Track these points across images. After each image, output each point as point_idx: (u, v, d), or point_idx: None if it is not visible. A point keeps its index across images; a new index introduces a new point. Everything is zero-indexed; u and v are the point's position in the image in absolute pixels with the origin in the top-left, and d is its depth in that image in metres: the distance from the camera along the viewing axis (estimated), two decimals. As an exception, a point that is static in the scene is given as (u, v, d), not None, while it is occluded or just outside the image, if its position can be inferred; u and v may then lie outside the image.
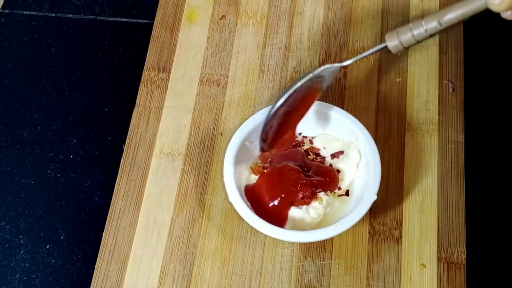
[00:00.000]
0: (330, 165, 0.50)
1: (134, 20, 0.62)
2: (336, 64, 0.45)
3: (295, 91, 0.46)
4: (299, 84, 0.46)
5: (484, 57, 0.58)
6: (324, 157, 0.50)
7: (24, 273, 0.52)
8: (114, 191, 0.53)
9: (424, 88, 0.55)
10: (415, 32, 0.40)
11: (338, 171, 0.49)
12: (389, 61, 0.57)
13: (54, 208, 0.54)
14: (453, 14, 0.38)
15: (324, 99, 0.55)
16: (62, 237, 0.53)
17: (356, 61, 0.48)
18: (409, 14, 0.59)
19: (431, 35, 0.40)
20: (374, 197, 0.44)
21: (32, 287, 0.51)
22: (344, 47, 0.58)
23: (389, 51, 0.41)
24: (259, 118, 0.49)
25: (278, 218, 0.47)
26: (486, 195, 0.53)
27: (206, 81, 0.57)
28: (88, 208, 0.54)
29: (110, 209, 0.52)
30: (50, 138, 0.57)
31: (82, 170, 0.56)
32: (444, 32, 0.51)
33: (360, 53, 0.49)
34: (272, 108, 0.46)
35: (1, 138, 0.57)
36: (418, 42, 0.41)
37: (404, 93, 0.55)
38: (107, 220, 0.52)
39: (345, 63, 0.45)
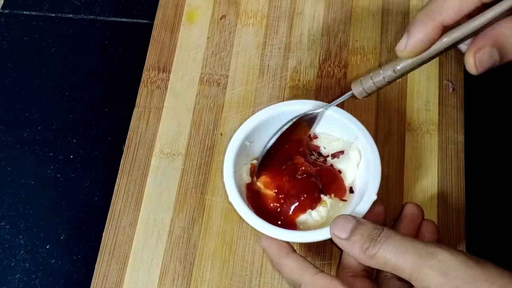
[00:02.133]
0: (331, 165, 0.50)
1: (134, 20, 0.62)
2: (315, 111, 0.49)
3: (280, 135, 0.49)
4: (279, 133, 0.49)
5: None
6: (326, 157, 0.50)
7: (24, 273, 0.52)
8: (114, 191, 0.53)
9: (424, 88, 0.55)
10: (375, 80, 0.44)
11: (339, 171, 0.49)
12: (389, 61, 0.57)
13: (54, 208, 0.54)
14: (404, 63, 0.42)
15: (324, 99, 0.55)
16: (62, 237, 0.53)
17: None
18: (409, 14, 0.59)
19: (390, 82, 0.44)
20: (374, 197, 0.44)
21: (32, 287, 0.51)
22: (344, 47, 0.58)
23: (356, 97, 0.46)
24: (259, 117, 0.49)
25: (286, 224, 0.47)
26: (486, 195, 0.53)
27: (206, 81, 0.57)
28: (88, 208, 0.54)
29: (110, 209, 0.52)
30: (50, 138, 0.57)
31: (82, 170, 0.56)
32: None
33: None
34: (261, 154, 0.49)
35: (1, 138, 0.57)
36: (380, 88, 0.45)
37: (404, 93, 0.55)
38: (107, 220, 0.52)
39: (319, 110, 0.49)
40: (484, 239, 0.51)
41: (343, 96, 0.47)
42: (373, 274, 0.43)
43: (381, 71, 0.43)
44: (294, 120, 0.49)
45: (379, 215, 0.46)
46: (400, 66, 0.42)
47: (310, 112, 0.49)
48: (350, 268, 0.42)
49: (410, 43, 0.39)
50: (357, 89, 0.45)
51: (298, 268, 0.41)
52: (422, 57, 0.41)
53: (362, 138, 0.48)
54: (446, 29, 0.39)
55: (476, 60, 0.38)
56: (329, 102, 0.49)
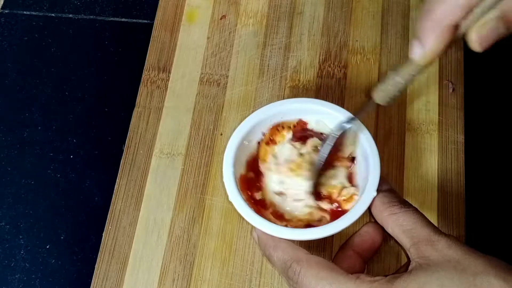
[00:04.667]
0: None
1: (134, 20, 0.63)
2: (345, 126, 0.47)
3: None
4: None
5: (484, 57, 0.58)
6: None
7: (24, 273, 0.52)
8: (114, 191, 0.53)
9: (424, 88, 0.55)
10: (395, 85, 0.43)
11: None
12: (389, 61, 0.57)
13: (54, 208, 0.54)
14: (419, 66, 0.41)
15: (324, 98, 0.55)
16: (62, 237, 0.53)
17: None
18: (409, 14, 0.59)
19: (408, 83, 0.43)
20: (374, 194, 0.44)
21: (32, 287, 0.51)
22: (344, 47, 0.58)
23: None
24: (258, 117, 0.49)
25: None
26: (486, 195, 0.53)
27: (206, 81, 0.57)
28: (88, 208, 0.54)
29: (110, 209, 0.52)
30: (50, 138, 0.57)
31: (82, 170, 0.56)
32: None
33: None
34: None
35: (1, 138, 0.57)
36: (401, 92, 0.44)
37: (404, 93, 0.55)
38: (107, 220, 0.52)
39: (348, 126, 0.47)
40: (484, 239, 0.51)
41: (367, 105, 0.46)
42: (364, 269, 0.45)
43: (398, 77, 0.42)
44: (335, 140, 0.47)
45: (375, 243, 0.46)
46: (416, 70, 0.41)
47: (344, 129, 0.47)
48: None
49: (427, 51, 0.38)
50: (379, 96, 0.45)
51: (291, 248, 0.42)
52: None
53: (362, 137, 0.47)
54: (458, 26, 0.37)
55: (482, 35, 0.37)
56: (352, 113, 0.48)
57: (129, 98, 0.57)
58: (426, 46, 0.38)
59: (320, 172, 0.47)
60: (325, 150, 0.47)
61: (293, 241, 0.44)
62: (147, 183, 0.53)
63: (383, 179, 0.45)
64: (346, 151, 0.49)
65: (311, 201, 0.47)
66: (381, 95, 0.44)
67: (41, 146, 0.57)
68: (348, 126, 0.47)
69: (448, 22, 0.37)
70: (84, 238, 0.53)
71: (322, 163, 0.46)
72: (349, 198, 0.47)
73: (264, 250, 0.44)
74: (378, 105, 0.45)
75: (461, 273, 0.36)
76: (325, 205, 0.47)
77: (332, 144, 0.46)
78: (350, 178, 0.48)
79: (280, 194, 0.48)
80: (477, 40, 0.37)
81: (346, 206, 0.47)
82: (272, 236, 0.43)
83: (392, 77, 0.43)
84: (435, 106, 0.55)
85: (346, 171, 0.48)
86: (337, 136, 0.47)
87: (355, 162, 0.49)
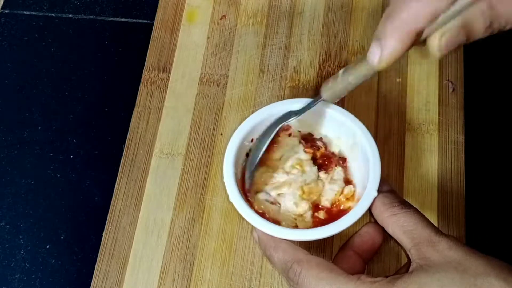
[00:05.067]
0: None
1: (134, 20, 0.63)
2: (289, 120, 0.47)
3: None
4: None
5: (484, 57, 0.58)
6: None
7: (24, 273, 0.52)
8: (114, 191, 0.53)
9: (424, 88, 0.55)
10: (345, 84, 0.43)
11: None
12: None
13: (54, 208, 0.54)
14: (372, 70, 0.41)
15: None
16: (62, 237, 0.53)
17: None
18: (409, 14, 0.59)
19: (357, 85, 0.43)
20: (375, 194, 0.44)
21: (32, 287, 0.51)
22: (344, 47, 0.58)
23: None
24: (257, 117, 0.49)
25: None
26: (486, 195, 0.53)
27: (206, 81, 0.57)
28: (88, 208, 0.54)
29: (110, 209, 0.52)
30: (50, 138, 0.57)
31: (82, 170, 0.56)
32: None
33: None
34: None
35: (1, 138, 0.57)
36: (349, 91, 0.44)
37: (404, 93, 0.55)
38: (107, 220, 0.52)
39: (291, 119, 0.47)
40: (484, 239, 0.51)
41: (313, 101, 0.46)
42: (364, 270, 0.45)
43: (350, 78, 0.42)
44: (274, 132, 0.47)
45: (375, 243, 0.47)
46: (370, 73, 0.41)
47: (286, 122, 0.48)
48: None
49: (386, 54, 0.38)
50: (327, 94, 0.45)
51: (292, 248, 0.42)
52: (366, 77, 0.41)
53: (362, 137, 0.47)
54: (419, 33, 0.38)
55: (442, 42, 0.37)
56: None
57: (129, 98, 0.57)
58: (385, 49, 0.38)
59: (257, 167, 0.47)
60: (264, 143, 0.47)
61: (293, 242, 0.44)
62: (147, 183, 0.53)
63: (383, 180, 0.45)
64: (317, 134, 0.49)
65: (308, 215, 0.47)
66: (329, 93, 0.45)
67: (41, 146, 0.57)
68: (288, 121, 0.47)
69: (411, 28, 0.37)
70: (84, 238, 0.53)
71: (258, 158, 0.47)
72: (351, 197, 0.47)
73: (265, 250, 0.44)
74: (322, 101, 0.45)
75: (462, 274, 0.36)
76: (322, 215, 0.47)
77: (269, 140, 0.47)
78: (346, 179, 0.48)
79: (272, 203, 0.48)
80: (438, 47, 0.38)
81: (347, 204, 0.47)
82: (273, 237, 0.43)
83: (344, 76, 0.43)
84: (435, 106, 0.55)
85: (341, 173, 0.48)
86: (274, 132, 0.47)
87: (346, 162, 0.49)
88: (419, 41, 0.38)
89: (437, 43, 0.37)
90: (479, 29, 0.38)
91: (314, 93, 0.56)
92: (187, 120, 0.56)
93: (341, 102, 0.54)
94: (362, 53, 0.57)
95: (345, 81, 0.43)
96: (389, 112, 0.55)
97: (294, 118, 0.47)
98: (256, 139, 0.48)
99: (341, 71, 0.43)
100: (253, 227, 0.44)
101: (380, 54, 0.38)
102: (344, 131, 0.49)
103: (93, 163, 0.56)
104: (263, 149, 0.47)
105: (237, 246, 0.50)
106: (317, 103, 0.46)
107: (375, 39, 0.39)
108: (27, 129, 0.58)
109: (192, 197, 0.52)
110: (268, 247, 0.43)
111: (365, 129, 0.47)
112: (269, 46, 0.58)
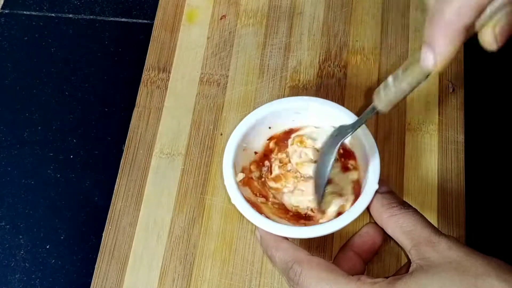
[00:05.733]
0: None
1: (134, 20, 0.63)
2: (346, 136, 0.46)
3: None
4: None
5: (484, 57, 0.58)
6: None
7: (24, 273, 0.52)
8: (114, 191, 0.53)
9: (424, 88, 0.55)
10: (398, 90, 0.42)
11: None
12: (389, 61, 0.57)
13: (54, 208, 0.54)
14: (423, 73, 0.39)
15: (324, 98, 0.54)
16: (62, 237, 0.53)
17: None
18: (409, 14, 0.59)
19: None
20: (376, 186, 0.44)
21: (32, 287, 0.51)
22: (344, 47, 0.58)
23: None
24: (255, 117, 0.49)
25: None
26: (486, 196, 0.53)
27: (206, 81, 0.57)
28: (88, 208, 0.54)
29: (110, 209, 0.52)
30: (50, 138, 0.57)
31: (82, 170, 0.56)
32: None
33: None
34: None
35: (1, 138, 0.57)
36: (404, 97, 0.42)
37: (404, 94, 0.55)
38: (107, 220, 0.52)
39: (348, 136, 0.46)
40: (484, 239, 0.51)
41: (367, 112, 0.44)
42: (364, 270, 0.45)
43: (403, 84, 0.41)
44: (336, 151, 0.45)
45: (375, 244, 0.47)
46: (425, 77, 0.40)
47: (344, 138, 0.46)
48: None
49: (440, 58, 0.36)
50: (383, 104, 0.43)
51: (293, 249, 0.42)
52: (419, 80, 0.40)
53: (361, 134, 0.47)
54: (469, 28, 0.35)
55: (497, 32, 0.35)
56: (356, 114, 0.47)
57: (129, 98, 0.57)
58: (438, 52, 0.36)
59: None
60: (328, 163, 0.45)
61: (294, 240, 0.44)
62: (147, 183, 0.53)
63: (382, 181, 0.45)
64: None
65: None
66: (385, 102, 0.43)
67: (41, 146, 0.57)
68: (345, 137, 0.45)
69: (459, 25, 0.35)
70: (84, 238, 0.53)
71: (326, 178, 0.45)
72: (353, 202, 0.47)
73: (266, 250, 0.44)
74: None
75: (462, 274, 0.36)
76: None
77: (333, 160, 0.45)
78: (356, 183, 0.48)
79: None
80: (493, 39, 0.36)
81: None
82: (274, 237, 0.43)
83: (396, 84, 0.41)
84: (435, 106, 0.55)
85: (355, 176, 0.48)
86: (336, 151, 0.45)
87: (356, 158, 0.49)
88: (471, 35, 0.36)
89: (491, 35, 0.35)
90: None
91: (315, 93, 0.56)
92: (187, 120, 0.56)
93: (341, 103, 0.55)
94: (362, 53, 0.57)
95: (399, 88, 0.41)
96: (389, 112, 0.54)
97: (350, 133, 0.45)
98: (314, 161, 0.47)
99: (390, 78, 0.41)
100: (255, 227, 0.44)
101: (434, 58, 0.36)
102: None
103: (93, 163, 0.56)
104: (329, 170, 0.45)
105: (237, 246, 0.50)
106: (373, 114, 0.44)
107: (425, 44, 0.37)
108: (27, 129, 0.58)
109: (192, 197, 0.52)
110: (269, 247, 0.43)
111: (365, 129, 0.47)
112: (269, 46, 0.58)
